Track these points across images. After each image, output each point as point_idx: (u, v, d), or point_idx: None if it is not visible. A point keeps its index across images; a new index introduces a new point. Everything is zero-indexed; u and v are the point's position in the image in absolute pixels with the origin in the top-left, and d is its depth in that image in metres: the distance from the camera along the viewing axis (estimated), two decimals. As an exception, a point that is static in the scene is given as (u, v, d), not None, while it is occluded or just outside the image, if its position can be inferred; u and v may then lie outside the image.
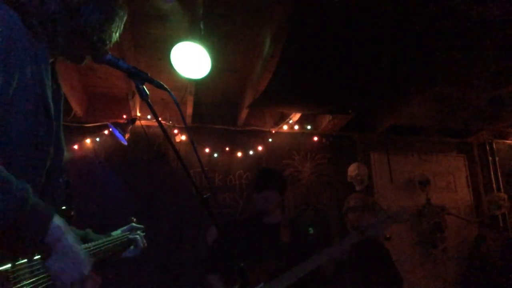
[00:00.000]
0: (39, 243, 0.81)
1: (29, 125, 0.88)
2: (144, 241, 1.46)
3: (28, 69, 0.88)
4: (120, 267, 3.18)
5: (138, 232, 1.47)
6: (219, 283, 2.18)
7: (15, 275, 0.75)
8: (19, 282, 0.75)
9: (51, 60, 1.04)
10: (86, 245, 1.07)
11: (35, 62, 0.91)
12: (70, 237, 0.87)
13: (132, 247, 1.43)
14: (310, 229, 3.65)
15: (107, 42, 1.09)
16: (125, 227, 1.46)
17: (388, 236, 2.57)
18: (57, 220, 0.84)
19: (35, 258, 0.83)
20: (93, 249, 1.09)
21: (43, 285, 0.83)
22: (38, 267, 0.83)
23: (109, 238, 1.27)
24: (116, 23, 1.08)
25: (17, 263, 0.76)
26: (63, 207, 1.06)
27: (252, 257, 2.12)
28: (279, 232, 2.36)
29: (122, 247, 1.37)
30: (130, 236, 1.42)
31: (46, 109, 0.93)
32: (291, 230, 2.39)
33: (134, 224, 1.49)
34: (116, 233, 1.39)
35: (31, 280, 0.79)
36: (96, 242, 1.15)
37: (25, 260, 0.79)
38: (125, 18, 1.13)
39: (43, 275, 0.84)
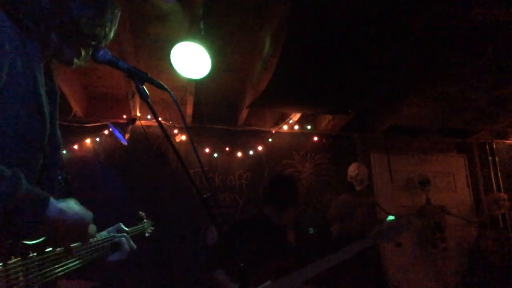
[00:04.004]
0: (41, 223, 0.82)
1: (21, 121, 0.88)
2: (132, 243, 1.34)
3: (19, 67, 0.88)
4: (119, 267, 3.18)
5: (124, 234, 1.34)
6: (226, 277, 2.20)
7: (7, 273, 0.75)
8: (10, 280, 0.75)
9: (47, 59, 1.04)
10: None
11: (26, 59, 0.91)
12: (70, 204, 0.91)
13: (118, 251, 1.30)
14: (310, 229, 3.66)
15: (101, 37, 1.08)
16: (111, 228, 1.35)
17: (399, 242, 2.58)
18: (54, 201, 0.86)
19: (29, 256, 0.83)
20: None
21: (38, 284, 0.83)
22: (32, 265, 0.83)
23: (92, 241, 1.16)
24: (108, 18, 1.07)
25: (9, 261, 0.76)
26: None
27: (260, 256, 2.14)
28: (287, 233, 2.40)
29: (106, 250, 1.25)
30: (115, 240, 1.29)
31: (38, 106, 0.93)
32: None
33: (121, 225, 1.38)
34: (102, 234, 1.27)
35: (25, 279, 0.79)
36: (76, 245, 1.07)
37: (18, 258, 0.79)
38: (119, 15, 1.12)
39: (37, 273, 0.84)
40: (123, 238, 1.31)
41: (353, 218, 2.79)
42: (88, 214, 0.97)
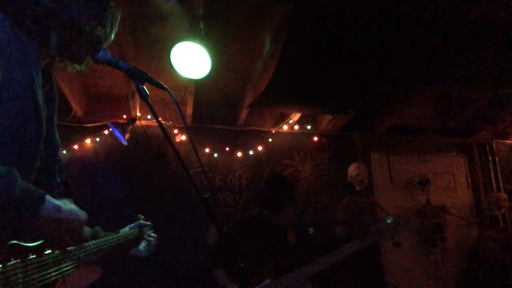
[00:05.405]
0: (36, 219, 0.82)
1: (17, 122, 0.87)
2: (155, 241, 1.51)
3: (16, 68, 0.88)
4: (120, 266, 3.18)
5: (151, 233, 1.52)
6: (225, 277, 2.20)
7: (5, 275, 0.74)
8: (9, 282, 0.75)
9: (46, 61, 1.04)
10: (96, 240, 1.12)
11: (25, 61, 0.91)
12: (66, 202, 0.91)
13: (143, 245, 1.47)
14: (310, 229, 3.65)
15: (102, 38, 1.09)
16: (132, 224, 1.50)
17: (398, 242, 2.56)
18: (50, 198, 0.86)
19: (29, 258, 0.82)
20: (102, 245, 1.14)
21: (36, 285, 0.83)
22: (32, 267, 0.82)
23: (118, 235, 1.31)
24: (108, 19, 1.08)
25: (8, 264, 0.76)
26: None
27: (259, 255, 2.15)
28: (287, 233, 2.40)
29: (131, 244, 1.41)
30: (149, 238, 1.46)
31: (35, 107, 0.93)
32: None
33: (142, 221, 1.52)
34: (124, 230, 1.43)
35: (23, 281, 0.79)
36: (106, 238, 1.19)
37: (18, 260, 0.79)
38: (119, 17, 1.13)
39: (37, 275, 0.83)
40: (152, 239, 1.49)
41: (361, 222, 2.80)
42: (83, 214, 0.98)
